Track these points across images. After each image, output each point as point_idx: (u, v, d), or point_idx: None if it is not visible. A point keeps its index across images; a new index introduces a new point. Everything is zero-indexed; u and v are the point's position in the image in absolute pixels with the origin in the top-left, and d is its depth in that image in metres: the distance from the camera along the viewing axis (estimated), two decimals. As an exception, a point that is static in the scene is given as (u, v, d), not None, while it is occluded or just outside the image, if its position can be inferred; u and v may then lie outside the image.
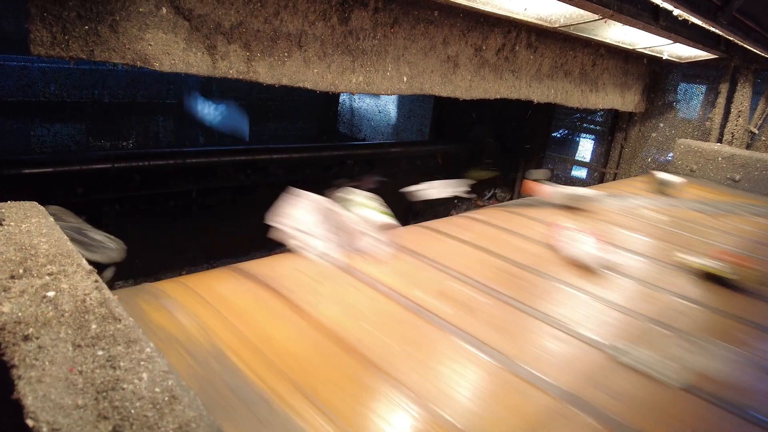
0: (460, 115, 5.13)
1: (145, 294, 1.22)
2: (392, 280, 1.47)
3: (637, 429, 0.98)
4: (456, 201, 4.80)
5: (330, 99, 6.32)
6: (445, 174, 3.98)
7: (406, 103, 5.67)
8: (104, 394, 0.57)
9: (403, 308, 1.32)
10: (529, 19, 2.42)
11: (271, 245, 1.57)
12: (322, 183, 4.09)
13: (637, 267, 1.87)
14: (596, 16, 2.30)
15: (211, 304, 1.21)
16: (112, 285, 0.96)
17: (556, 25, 2.52)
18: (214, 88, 5.42)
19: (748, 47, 3.09)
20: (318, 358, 1.07)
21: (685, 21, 2.50)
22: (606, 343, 1.27)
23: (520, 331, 1.30)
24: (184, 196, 3.30)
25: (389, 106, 5.86)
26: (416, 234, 1.95)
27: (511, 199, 4.81)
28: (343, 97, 6.32)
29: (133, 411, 0.55)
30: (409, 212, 4.07)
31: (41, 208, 1.08)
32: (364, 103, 6.11)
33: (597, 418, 1.00)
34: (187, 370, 0.96)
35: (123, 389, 0.58)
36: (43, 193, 2.64)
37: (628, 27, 2.53)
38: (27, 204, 1.09)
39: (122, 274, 3.01)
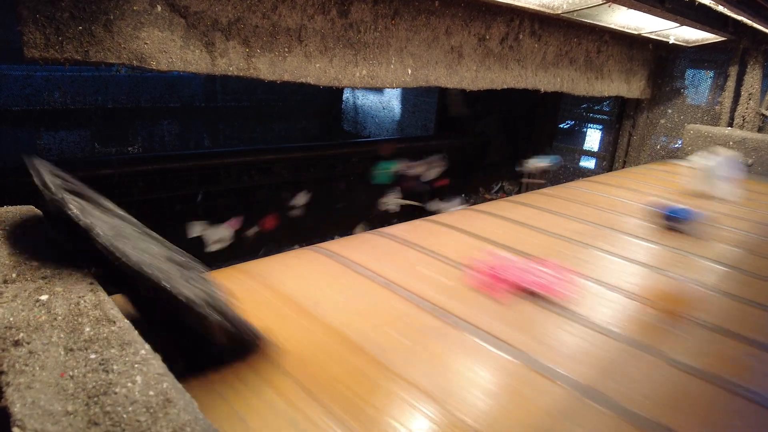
0: (466, 108, 5.07)
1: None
2: (398, 275, 1.44)
3: (657, 420, 0.95)
4: (462, 194, 4.75)
5: (333, 97, 6.29)
6: (451, 169, 3.94)
7: (410, 98, 5.62)
8: (96, 399, 0.55)
9: (410, 303, 1.29)
10: (532, 6, 2.37)
11: (277, 245, 1.55)
12: (328, 181, 4.08)
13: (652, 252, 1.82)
14: (599, 1, 2.25)
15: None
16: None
17: (559, 12, 2.47)
18: (218, 90, 5.41)
19: (758, 27, 3.02)
20: (324, 358, 1.04)
21: (692, 2, 2.44)
22: (623, 334, 1.24)
23: (533, 325, 1.26)
24: (191, 199, 3.29)
25: (393, 101, 5.81)
26: (423, 227, 1.91)
27: (519, 192, 4.76)
28: (346, 95, 6.28)
29: (125, 416, 0.53)
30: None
31: (38, 211, 1.06)
32: (367, 100, 6.07)
33: (615, 410, 0.96)
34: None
35: (115, 393, 0.56)
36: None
37: (632, 11, 2.47)
38: (24, 208, 1.07)
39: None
